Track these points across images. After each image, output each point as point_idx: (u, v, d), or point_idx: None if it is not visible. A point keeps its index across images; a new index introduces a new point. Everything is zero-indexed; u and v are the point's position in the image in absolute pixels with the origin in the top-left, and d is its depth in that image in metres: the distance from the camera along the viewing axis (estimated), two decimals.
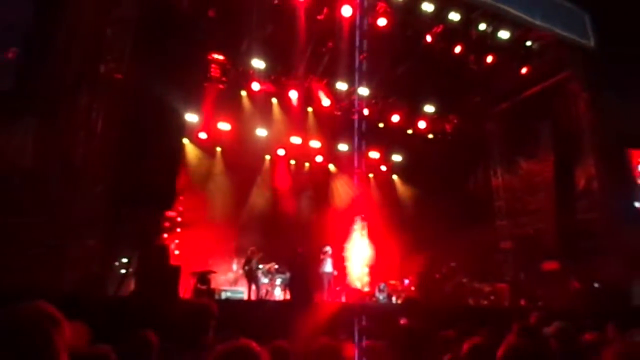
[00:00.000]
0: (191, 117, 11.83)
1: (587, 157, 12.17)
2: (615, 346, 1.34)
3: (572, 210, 11.87)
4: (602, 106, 12.10)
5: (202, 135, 12.88)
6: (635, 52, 12.50)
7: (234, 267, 11.42)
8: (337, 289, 11.75)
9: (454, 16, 11.53)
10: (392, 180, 16.36)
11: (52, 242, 6.95)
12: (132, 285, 8.12)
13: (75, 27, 7.62)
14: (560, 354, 3.57)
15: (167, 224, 11.17)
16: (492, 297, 11.66)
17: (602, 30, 12.51)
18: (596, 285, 10.90)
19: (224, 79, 12.75)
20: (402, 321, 6.56)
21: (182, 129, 10.50)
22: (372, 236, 14.45)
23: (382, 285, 11.74)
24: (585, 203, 12.05)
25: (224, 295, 9.40)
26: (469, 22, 11.79)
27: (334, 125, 14.27)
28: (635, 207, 12.60)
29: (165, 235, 10.99)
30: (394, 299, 11.68)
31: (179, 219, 11.81)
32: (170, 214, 10.99)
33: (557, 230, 11.77)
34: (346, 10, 11.10)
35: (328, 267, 11.06)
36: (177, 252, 10.92)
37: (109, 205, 8.22)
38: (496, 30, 12.01)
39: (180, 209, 11.82)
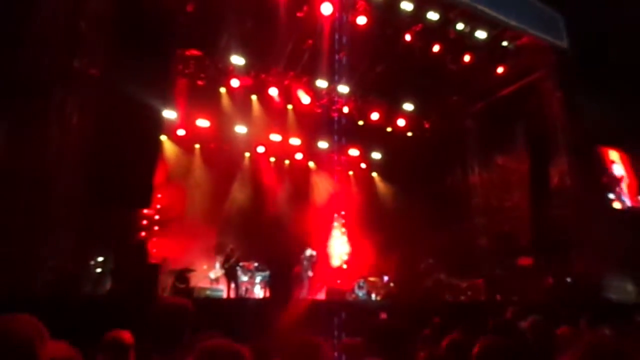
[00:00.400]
0: (169, 114, 11.66)
1: (560, 154, 12.50)
2: (580, 344, 1.38)
3: (546, 206, 12.17)
4: (575, 105, 12.44)
5: (181, 132, 12.71)
6: (605, 53, 12.89)
7: (217, 265, 11.33)
8: (317, 286, 11.78)
9: (433, 16, 11.67)
10: (372, 178, 16.47)
11: (25, 242, 6.77)
12: (108, 284, 7.99)
13: (47, 21, 7.40)
14: (535, 348, 3.67)
15: (144, 222, 11.00)
16: (469, 293, 11.87)
17: (576, 32, 12.85)
18: (569, 279, 11.22)
19: (202, 75, 12.61)
20: (382, 315, 6.63)
21: (160, 126, 10.33)
22: (352, 233, 14.54)
23: (361, 282, 11.82)
24: (558, 200, 12.37)
25: (203, 294, 9.31)
26: (447, 21, 11.96)
27: (314, 122, 14.27)
28: (606, 203, 13.01)
29: (143, 234, 10.82)
30: (373, 295, 11.78)
31: (157, 217, 11.64)
32: (148, 212, 10.83)
33: (532, 227, 12.07)
34: (326, 8, 11.11)
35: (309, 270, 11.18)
36: (155, 250, 10.77)
37: (84, 204, 8.04)
38: (473, 30, 12.22)
39: (158, 206, 11.66)
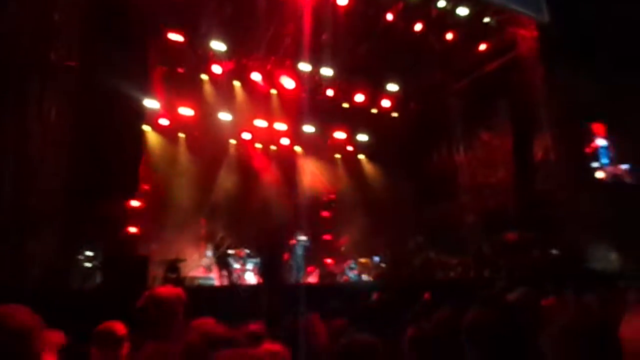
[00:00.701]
0: (151, 103, 11.48)
1: (543, 129, 12.62)
2: (564, 317, 1.42)
3: (530, 181, 12.34)
4: (557, 79, 12.52)
5: (164, 122, 12.53)
6: (587, 27, 12.95)
7: (208, 253, 11.31)
8: (308, 270, 11.87)
9: None
10: (359, 160, 16.50)
11: (11, 238, 6.69)
12: (98, 278, 7.95)
13: (19, 13, 7.18)
14: (522, 319, 3.76)
15: (132, 214, 10.91)
16: (458, 269, 12.06)
17: (557, 6, 12.86)
18: (555, 252, 11.45)
19: (183, 62, 12.41)
20: (375, 296, 6.70)
21: (142, 116, 10.20)
22: (341, 215, 14.63)
23: (352, 264, 11.93)
24: (543, 174, 12.54)
25: (194, 283, 9.33)
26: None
27: (299, 107, 14.19)
28: (589, 175, 13.23)
29: (131, 226, 10.74)
30: (364, 276, 11.91)
31: (144, 208, 11.54)
32: (135, 203, 10.72)
33: (517, 202, 12.23)
34: None
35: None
36: (144, 241, 10.70)
37: (69, 197, 7.94)
38: (455, 7, 12.16)
39: (145, 197, 11.55)
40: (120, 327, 2.51)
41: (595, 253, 11.82)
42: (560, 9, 12.78)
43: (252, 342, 2.69)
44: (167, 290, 2.24)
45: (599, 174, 13.61)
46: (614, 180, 13.93)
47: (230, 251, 10.68)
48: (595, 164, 13.62)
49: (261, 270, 9.18)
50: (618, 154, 14.52)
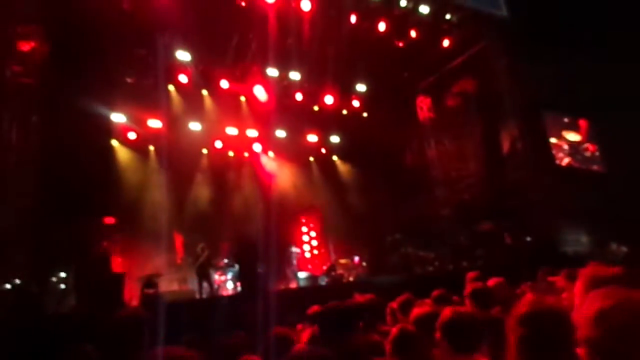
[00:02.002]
0: (117, 117, 11.27)
1: (509, 120, 12.96)
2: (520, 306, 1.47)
3: (500, 171, 12.65)
4: (520, 71, 12.89)
5: (132, 135, 12.30)
6: (545, 19, 13.36)
7: (186, 265, 11.15)
8: (289, 275, 11.86)
9: None
10: (333, 161, 16.57)
11: None
12: (73, 299, 7.73)
13: None
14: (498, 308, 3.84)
15: (105, 231, 10.66)
16: (436, 263, 12.25)
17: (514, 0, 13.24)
18: (528, 239, 11.76)
19: (148, 74, 12.20)
20: (357, 296, 6.72)
21: (109, 131, 9.99)
22: (319, 218, 14.67)
23: (332, 265, 11.97)
24: (511, 163, 12.88)
25: (173, 297, 9.17)
26: None
27: (269, 112, 14.15)
28: (555, 163, 13.66)
29: (105, 243, 10.50)
30: (345, 276, 11.96)
31: (117, 224, 11.30)
32: (108, 220, 10.49)
33: (489, 192, 12.52)
34: None
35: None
36: (118, 258, 10.48)
37: (38, 219, 7.71)
38: (416, 5, 12.37)
39: (118, 213, 11.31)
40: (89, 350, 2.45)
41: (567, 237, 12.21)
42: (520, 2, 13.16)
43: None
44: (128, 314, 2.20)
45: (564, 162, 14.07)
46: (581, 167, 14.43)
47: (209, 262, 10.57)
48: (561, 154, 14.08)
49: (240, 280, 9.09)
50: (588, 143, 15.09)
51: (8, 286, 7.34)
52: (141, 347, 1.95)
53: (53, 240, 8.17)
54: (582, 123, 15.42)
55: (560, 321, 1.33)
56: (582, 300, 1.22)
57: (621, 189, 12.47)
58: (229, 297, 9.80)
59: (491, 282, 4.41)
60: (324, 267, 12.29)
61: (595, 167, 15.11)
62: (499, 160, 13.02)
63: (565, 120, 14.98)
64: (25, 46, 7.68)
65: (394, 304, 4.18)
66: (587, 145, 15.27)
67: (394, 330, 2.76)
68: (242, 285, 8.86)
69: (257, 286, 7.23)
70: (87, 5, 8.76)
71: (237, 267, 10.51)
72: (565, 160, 14.20)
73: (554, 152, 13.83)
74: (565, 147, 14.47)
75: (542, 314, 1.34)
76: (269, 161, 15.08)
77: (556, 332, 1.31)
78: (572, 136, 14.90)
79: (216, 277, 10.78)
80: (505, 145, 12.97)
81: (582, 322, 1.15)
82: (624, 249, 10.50)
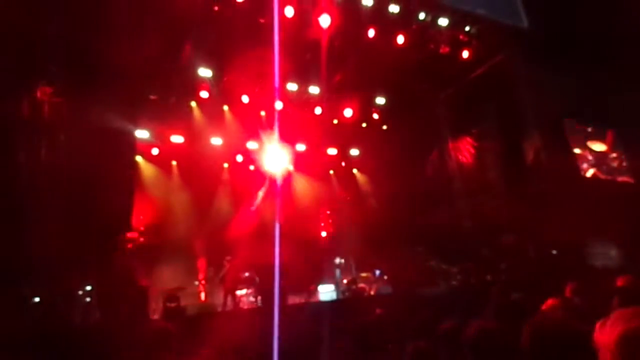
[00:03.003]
0: (141, 134, 11.54)
1: (532, 131, 12.75)
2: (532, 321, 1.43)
3: (524, 183, 12.39)
4: (540, 82, 12.70)
5: (155, 151, 12.57)
6: (566, 29, 13.19)
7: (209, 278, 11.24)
8: (311, 288, 11.81)
9: (394, 8, 11.80)
10: (353, 175, 16.56)
11: (6, 282, 6.62)
12: (98, 313, 7.86)
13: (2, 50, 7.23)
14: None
15: (129, 246, 10.86)
16: (459, 277, 12.03)
17: (534, 10, 13.12)
18: (554, 252, 11.45)
19: (171, 91, 12.50)
20: (378, 311, 6.66)
21: (133, 146, 10.23)
22: (340, 230, 14.63)
23: (354, 279, 11.89)
24: (536, 175, 12.62)
25: (195, 311, 9.23)
26: (408, 12, 12.10)
27: (289, 126, 14.29)
28: (579, 174, 13.33)
29: (129, 257, 10.68)
30: (366, 290, 11.85)
31: (141, 240, 11.50)
32: (131, 235, 10.68)
33: (512, 204, 12.24)
34: (289, 11, 11.12)
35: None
36: (142, 272, 10.64)
37: (63, 234, 7.90)
38: (435, 18, 12.38)
39: (142, 228, 11.51)
40: None
41: (595, 251, 11.84)
42: (539, 13, 13.04)
43: None
44: (156, 327, 2.23)
45: (590, 173, 13.73)
46: (607, 178, 14.05)
47: (230, 275, 10.63)
48: (585, 165, 13.75)
49: (261, 291, 9.12)
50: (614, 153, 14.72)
51: (37, 299, 7.52)
52: (168, 358, 1.98)
53: (78, 254, 8.35)
54: (608, 133, 15.06)
55: None
56: (601, 321, 1.17)
57: None
58: (249, 310, 9.81)
59: (515, 296, 4.31)
60: (345, 281, 12.20)
61: (622, 178, 14.68)
62: (522, 171, 12.77)
63: (589, 130, 14.65)
64: (52, 65, 7.96)
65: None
66: (613, 155, 14.88)
67: (409, 348, 2.74)
68: (262, 300, 8.86)
69: (276, 300, 7.22)
70: (110, 18, 9.00)
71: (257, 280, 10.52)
72: (591, 172, 13.85)
73: (578, 163, 13.51)
74: (590, 157, 14.12)
75: None
76: (289, 174, 15.17)
77: None
78: (598, 146, 14.54)
79: (243, 291, 10.85)
80: (529, 157, 12.74)
81: (603, 344, 1.11)
82: None
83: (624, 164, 14.91)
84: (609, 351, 1.08)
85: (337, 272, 12.50)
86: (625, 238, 11.94)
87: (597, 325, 1.17)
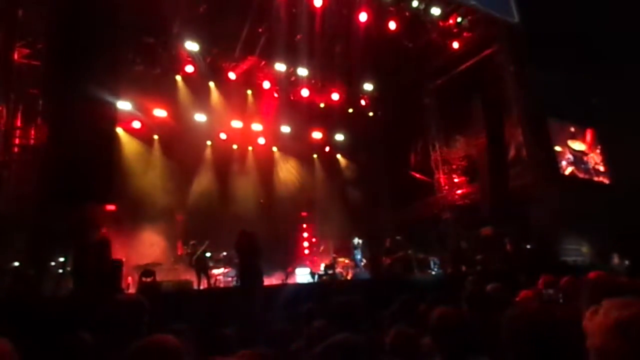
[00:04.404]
0: (123, 105, 11.25)
1: (515, 126, 12.88)
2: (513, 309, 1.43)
3: (504, 178, 12.55)
4: (527, 78, 12.81)
5: (136, 124, 12.28)
6: (555, 27, 13.29)
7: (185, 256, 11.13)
8: (289, 270, 11.83)
9: None
10: (336, 159, 16.52)
11: None
12: (70, 284, 7.72)
13: None
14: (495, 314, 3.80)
15: (105, 218, 10.66)
16: (436, 267, 12.19)
17: (525, 6, 13.16)
18: (528, 246, 11.70)
19: (156, 63, 12.19)
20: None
21: (114, 118, 9.95)
22: (320, 215, 14.64)
23: (330, 263, 11.95)
24: (516, 170, 12.80)
25: (170, 287, 9.15)
26: None
27: (275, 107, 14.14)
28: (558, 172, 13.58)
29: (105, 230, 10.50)
30: (343, 275, 11.94)
31: (118, 212, 11.29)
32: (109, 207, 10.48)
33: (492, 198, 12.44)
34: None
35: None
36: (118, 246, 10.48)
37: (39, 203, 7.70)
38: (428, 7, 12.32)
39: (120, 201, 11.30)
40: (83, 336, 2.42)
41: (568, 246, 12.14)
42: (529, 9, 13.08)
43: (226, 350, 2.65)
44: (129, 299, 2.18)
45: (569, 171, 14.00)
46: (584, 178, 14.36)
47: (207, 254, 10.55)
48: (564, 162, 14.01)
49: (239, 273, 9.06)
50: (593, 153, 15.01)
51: (8, 268, 7.36)
52: (141, 332, 1.92)
53: (53, 224, 8.16)
54: (588, 133, 15.34)
55: None
56: (592, 309, 1.17)
57: (625, 201, 12.38)
58: (226, 289, 9.78)
59: (490, 286, 4.37)
60: (323, 265, 12.26)
61: (599, 179, 15.03)
62: (504, 166, 12.92)
63: (572, 129, 14.90)
64: (33, 27, 7.63)
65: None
66: (592, 155, 15.19)
67: (392, 331, 2.74)
68: (240, 279, 8.82)
69: (255, 280, 7.19)
70: None
71: (235, 260, 10.46)
72: (569, 170, 14.13)
73: (558, 160, 13.76)
74: (570, 156, 14.39)
75: None
76: (272, 156, 15.04)
77: None
78: (578, 145, 14.83)
79: (219, 270, 10.78)
80: (510, 152, 12.89)
81: (595, 332, 1.11)
82: (626, 262, 10.41)
83: (602, 164, 15.26)
84: (600, 339, 1.08)
85: (357, 253, 12.22)
86: (597, 236, 12.27)
87: (588, 314, 1.17)
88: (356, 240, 12.17)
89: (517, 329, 1.34)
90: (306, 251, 14.66)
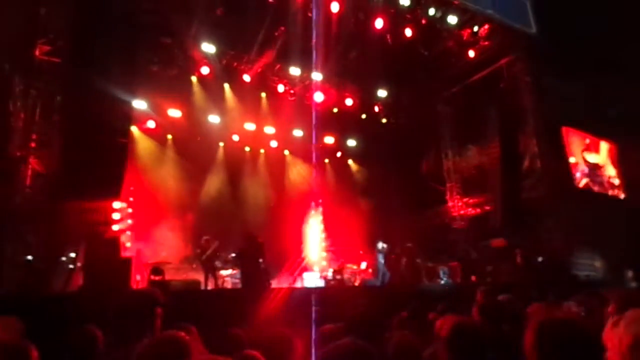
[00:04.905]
0: (139, 104, 11.36)
1: (530, 137, 12.75)
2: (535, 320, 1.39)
3: (517, 188, 12.41)
4: (543, 89, 12.70)
5: (151, 124, 12.39)
6: (572, 37, 13.17)
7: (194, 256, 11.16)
8: (295, 274, 11.80)
9: (405, 1, 11.68)
10: (348, 165, 16.49)
11: None
12: (80, 280, 7.79)
13: (3, 7, 7.05)
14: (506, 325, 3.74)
15: (117, 215, 10.75)
16: (445, 276, 12.07)
17: (543, 16, 13.06)
18: (540, 259, 11.54)
19: (172, 63, 12.30)
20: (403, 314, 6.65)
21: (129, 117, 10.06)
22: (329, 220, 14.59)
23: (340, 269, 11.88)
24: (529, 182, 12.66)
25: (179, 286, 9.18)
26: (418, 7, 11.99)
27: (288, 110, 14.16)
28: (573, 184, 13.40)
29: (116, 227, 10.58)
30: (351, 281, 11.87)
31: (130, 210, 11.38)
32: (120, 204, 10.58)
33: (504, 209, 12.31)
34: None
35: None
36: (129, 244, 10.55)
37: (51, 198, 7.79)
38: (445, 15, 12.28)
39: (131, 199, 11.39)
40: (94, 331, 2.44)
41: (580, 260, 11.96)
42: (546, 20, 12.98)
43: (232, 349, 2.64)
44: (141, 292, 2.18)
45: (583, 184, 13.80)
46: (599, 191, 14.14)
47: (216, 255, 10.57)
48: (578, 174, 13.82)
49: (243, 273, 9.04)
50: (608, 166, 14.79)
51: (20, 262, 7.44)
52: (154, 324, 1.91)
53: (65, 219, 8.25)
54: (604, 145, 15.13)
55: None
56: (614, 319, 1.14)
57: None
58: (231, 291, 9.79)
59: (502, 297, 4.30)
60: (332, 270, 12.19)
61: (613, 192, 14.79)
62: (517, 176, 12.79)
63: (587, 140, 14.70)
64: (55, 24, 7.76)
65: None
66: (606, 168, 14.97)
67: (394, 340, 2.70)
68: (242, 281, 8.82)
69: (258, 282, 7.18)
70: None
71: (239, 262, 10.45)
72: (584, 182, 13.93)
73: (572, 172, 13.57)
74: (585, 168, 14.20)
75: None
76: (284, 159, 15.04)
77: None
78: (593, 157, 14.62)
79: (227, 272, 10.78)
80: (524, 162, 12.76)
81: (615, 345, 1.08)
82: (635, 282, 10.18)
83: (616, 178, 15.02)
84: (620, 352, 1.05)
85: (380, 257, 11.71)
86: (610, 251, 12.07)
87: (609, 324, 1.14)
88: (380, 245, 11.81)
89: (546, 334, 1.31)
90: (315, 256, 14.62)
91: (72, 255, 8.99)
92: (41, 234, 7.61)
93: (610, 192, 14.71)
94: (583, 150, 14.37)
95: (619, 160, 15.13)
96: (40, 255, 7.60)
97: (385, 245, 11.86)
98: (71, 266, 8.82)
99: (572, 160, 13.75)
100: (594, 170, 14.52)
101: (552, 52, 12.61)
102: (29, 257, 7.67)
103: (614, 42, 13.01)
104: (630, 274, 9.38)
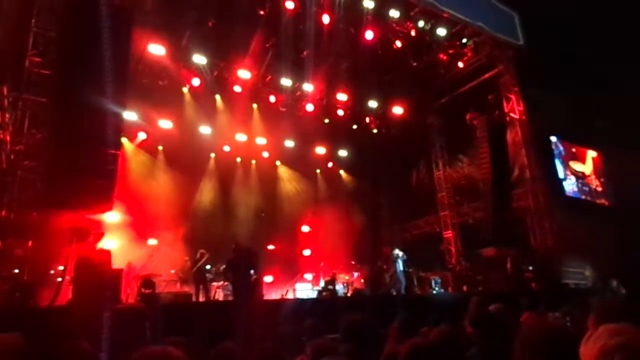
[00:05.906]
0: (129, 115, 11.32)
1: (519, 148, 12.89)
2: (525, 329, 1.42)
3: (507, 198, 12.50)
4: (531, 100, 12.89)
5: (142, 135, 12.35)
6: (561, 51, 13.42)
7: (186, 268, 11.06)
8: (286, 285, 11.76)
9: (394, 13, 11.84)
10: (339, 175, 16.53)
11: None
12: (69, 294, 7.68)
13: None
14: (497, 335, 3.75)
15: (107, 227, 10.64)
16: (436, 286, 12.09)
17: (530, 29, 13.31)
18: (530, 268, 11.60)
19: (163, 75, 12.30)
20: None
21: (119, 128, 10.00)
22: (321, 230, 14.58)
23: (332, 279, 11.84)
24: (519, 191, 12.78)
25: (169, 299, 9.09)
26: (408, 19, 12.16)
27: (280, 121, 14.21)
28: (562, 193, 13.55)
29: (106, 240, 10.47)
30: (342, 291, 11.83)
31: (120, 222, 11.28)
32: (111, 216, 10.47)
33: (495, 219, 12.37)
34: (289, 5, 11.05)
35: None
36: (119, 256, 10.43)
37: (40, 210, 7.70)
38: (434, 27, 12.46)
39: (122, 211, 11.29)
40: (83, 345, 2.40)
41: (570, 269, 12.04)
42: (534, 32, 13.23)
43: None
44: (131, 308, 2.16)
45: (571, 192, 13.96)
46: (586, 200, 14.31)
47: (207, 267, 10.50)
48: (568, 183, 13.99)
49: (232, 287, 8.98)
50: (595, 175, 15.00)
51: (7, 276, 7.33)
52: (143, 339, 1.90)
53: (54, 232, 8.15)
54: (591, 155, 15.35)
55: None
56: (588, 334, 1.17)
57: (628, 225, 12.31)
58: (222, 303, 9.71)
59: (493, 307, 4.32)
60: (324, 280, 12.15)
61: (601, 201, 14.97)
62: (507, 186, 12.90)
63: (574, 150, 14.92)
64: (46, 36, 7.73)
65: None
66: (594, 177, 15.17)
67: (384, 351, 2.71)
68: (233, 293, 8.75)
69: (249, 294, 7.13)
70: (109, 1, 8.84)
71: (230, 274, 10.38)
72: (572, 190, 14.10)
73: (561, 181, 13.74)
74: (572, 177, 14.39)
75: None
76: (275, 170, 14.97)
77: None
78: (580, 167, 14.82)
79: (214, 282, 10.70)
80: (514, 173, 12.89)
81: (586, 357, 1.10)
82: (623, 290, 10.25)
83: (604, 187, 15.22)
84: None
85: (399, 264, 11.29)
86: (600, 260, 12.18)
87: (584, 339, 1.17)
88: (396, 252, 11.51)
89: (534, 341, 1.32)
90: (307, 266, 14.56)
91: (61, 268, 8.86)
92: (30, 246, 7.51)
93: (597, 201, 14.90)
94: (570, 160, 14.57)
95: (604, 170, 15.35)
96: (28, 268, 7.49)
97: (401, 253, 11.58)
98: (60, 279, 8.69)
99: (560, 169, 13.93)
100: (582, 179, 14.72)
101: (540, 65, 12.82)
102: (16, 271, 7.56)
103: (599, 56, 13.29)
104: (614, 283, 9.43)
